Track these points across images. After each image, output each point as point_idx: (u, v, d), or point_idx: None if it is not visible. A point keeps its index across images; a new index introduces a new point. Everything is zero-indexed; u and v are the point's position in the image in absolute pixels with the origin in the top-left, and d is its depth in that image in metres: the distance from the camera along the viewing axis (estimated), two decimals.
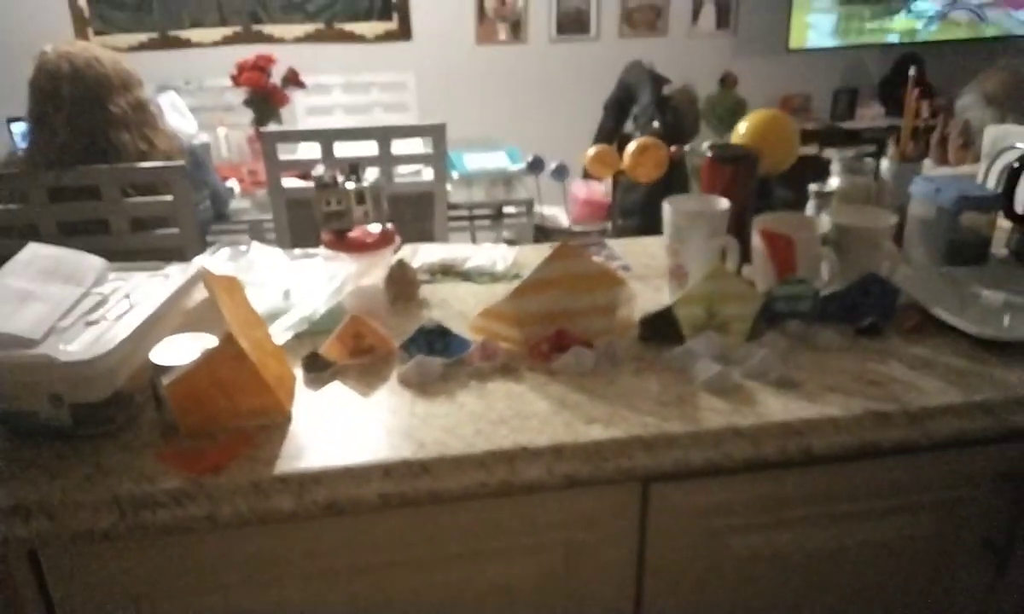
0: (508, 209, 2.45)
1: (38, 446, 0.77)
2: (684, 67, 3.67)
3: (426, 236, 2.12)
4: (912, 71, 1.23)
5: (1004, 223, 1.15)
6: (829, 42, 3.91)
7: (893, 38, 3.93)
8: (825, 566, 0.87)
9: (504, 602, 0.83)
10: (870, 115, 4.00)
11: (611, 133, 2.74)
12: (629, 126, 2.67)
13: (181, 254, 1.09)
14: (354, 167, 1.14)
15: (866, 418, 0.79)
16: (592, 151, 1.16)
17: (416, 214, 2.15)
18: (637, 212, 2.46)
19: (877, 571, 0.89)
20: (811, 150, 3.47)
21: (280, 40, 3.76)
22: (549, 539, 0.80)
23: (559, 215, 2.70)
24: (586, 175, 2.72)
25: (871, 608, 0.92)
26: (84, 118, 1.87)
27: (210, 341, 0.79)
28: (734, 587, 0.86)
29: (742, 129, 1.14)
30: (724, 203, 1.01)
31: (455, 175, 2.51)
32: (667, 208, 1.01)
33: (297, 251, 1.17)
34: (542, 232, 2.48)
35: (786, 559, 0.86)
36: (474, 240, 3.13)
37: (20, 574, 0.72)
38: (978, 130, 1.57)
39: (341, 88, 3.41)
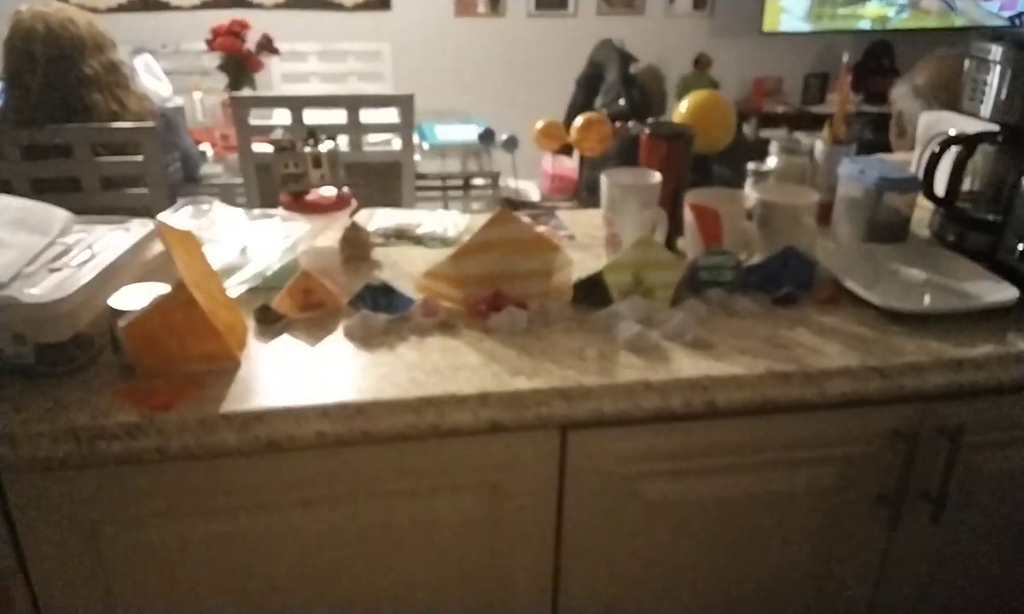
0: (477, 181, 2.50)
1: (2, 383, 0.82)
2: (660, 47, 3.73)
3: (394, 205, 2.17)
4: (845, 58, 1.30)
5: (928, 205, 1.23)
6: (802, 26, 3.98)
7: (865, 24, 4.01)
8: (730, 512, 0.95)
9: (433, 538, 0.90)
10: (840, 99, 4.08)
11: (581, 108, 2.79)
12: (599, 102, 2.73)
13: (149, 214, 1.14)
14: (312, 132, 1.19)
15: (767, 377, 0.87)
16: (539, 124, 1.22)
17: (384, 184, 2.20)
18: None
19: (779, 520, 0.97)
20: (781, 132, 3.55)
21: (259, 6, 3.77)
22: (475, 480, 0.87)
23: (531, 189, 2.76)
24: (560, 150, 2.78)
25: (775, 555, 1.00)
26: (57, 78, 1.90)
27: (165, 289, 0.85)
28: (646, 529, 0.94)
29: (682, 108, 1.20)
30: (656, 177, 1.07)
31: (425, 146, 2.56)
32: (603, 180, 1.07)
33: (256, 211, 1.23)
34: (511, 204, 2.53)
35: (693, 505, 0.94)
36: (446, 209, 3.18)
37: None
38: (908, 120, 1.64)
39: (317, 56, 3.43)
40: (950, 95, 1.46)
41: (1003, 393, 0.94)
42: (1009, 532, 1.06)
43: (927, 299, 1.04)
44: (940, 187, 1.18)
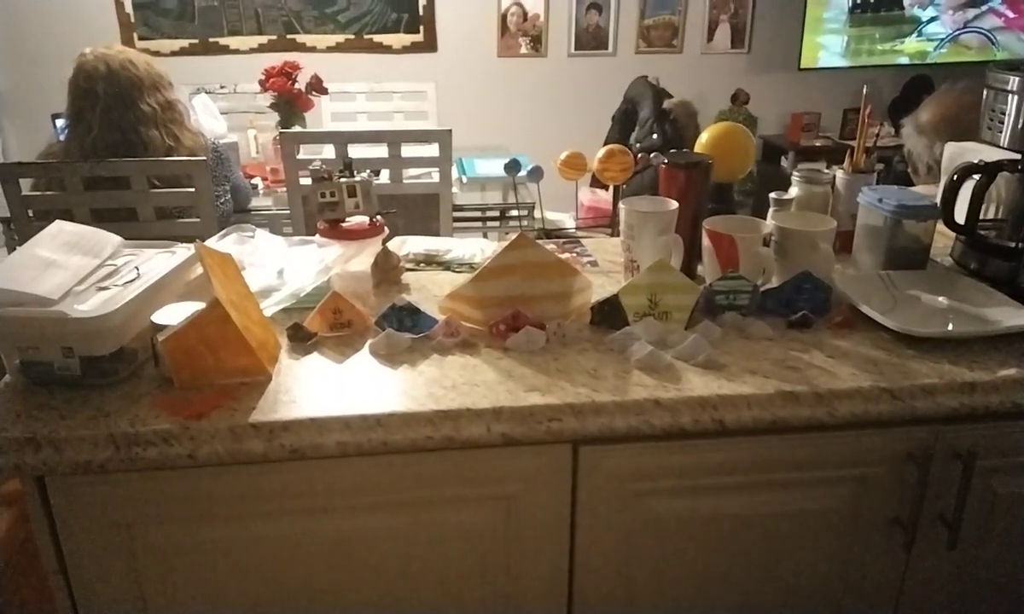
0: (513, 212, 2.56)
1: (51, 392, 0.89)
2: (698, 84, 3.77)
3: (432, 234, 2.24)
4: (865, 90, 1.32)
5: (950, 233, 1.23)
6: (840, 62, 3.98)
7: (903, 60, 3.99)
8: (741, 531, 0.96)
9: (449, 547, 0.93)
10: (872, 134, 4.06)
11: (616, 143, 2.84)
12: (633, 137, 2.77)
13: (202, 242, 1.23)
14: (347, 164, 1.26)
15: (776, 397, 0.89)
16: (563, 155, 1.26)
17: (423, 214, 2.27)
18: None
19: (792, 540, 0.98)
20: (819, 166, 3.54)
21: (312, 49, 3.93)
22: (490, 492, 0.91)
23: (565, 220, 2.81)
24: (593, 183, 2.83)
25: (788, 575, 1.00)
26: (117, 115, 2.03)
27: (202, 306, 0.91)
28: (657, 545, 0.96)
29: (703, 139, 1.24)
30: (672, 204, 1.11)
31: (464, 179, 2.63)
32: (622, 207, 1.11)
33: (295, 238, 1.29)
34: (546, 234, 2.58)
35: (704, 522, 0.95)
36: (485, 238, 3.24)
37: (30, 497, 0.84)
38: (919, 157, 1.64)
39: (365, 95, 3.56)
40: (954, 130, 1.47)
41: (1020, 418, 0.94)
42: None
43: (945, 324, 1.04)
44: (961, 215, 1.19)
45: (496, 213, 2.58)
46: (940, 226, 1.19)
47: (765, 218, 1.19)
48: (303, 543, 0.90)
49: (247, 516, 0.88)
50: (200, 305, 0.93)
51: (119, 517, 0.86)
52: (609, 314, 1.04)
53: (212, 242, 1.24)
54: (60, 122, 2.91)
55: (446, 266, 1.30)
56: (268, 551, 0.90)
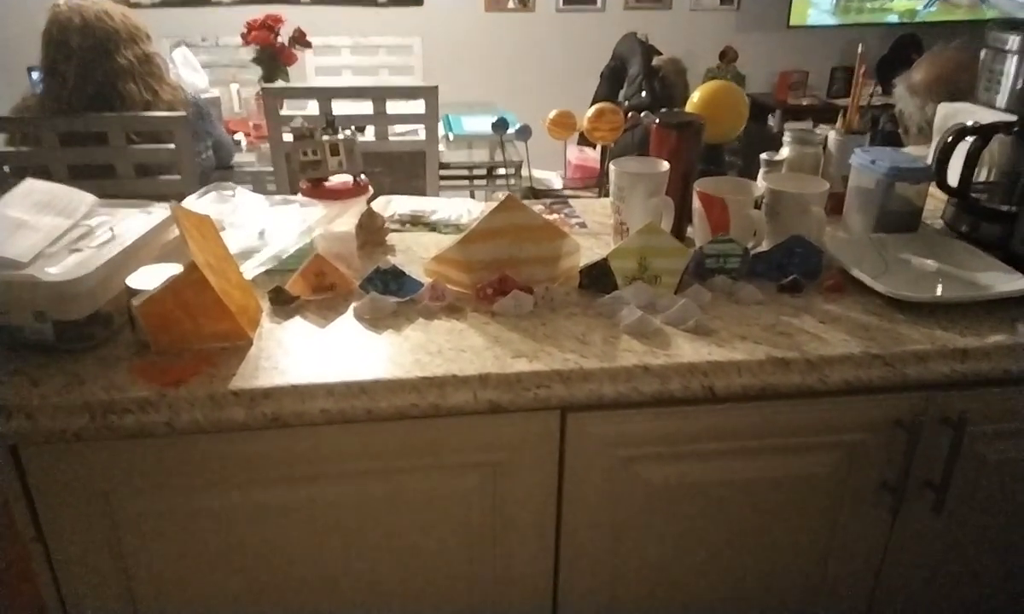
0: (500, 171, 2.52)
1: (24, 358, 0.86)
2: (687, 41, 3.71)
3: (418, 193, 2.20)
4: (860, 49, 1.29)
5: (942, 195, 1.22)
6: (829, 20, 3.92)
7: (892, 18, 3.94)
8: (730, 497, 0.96)
9: (435, 514, 0.92)
10: (866, 93, 4.02)
11: (605, 100, 2.79)
12: (622, 94, 2.72)
13: (181, 199, 1.19)
14: (330, 121, 1.22)
15: (767, 363, 0.88)
16: (552, 114, 1.23)
17: (409, 172, 2.23)
18: None
19: (780, 505, 0.98)
20: (806, 124, 3.50)
21: (296, 1, 3.83)
22: (477, 459, 0.89)
23: (552, 179, 2.77)
24: (581, 141, 2.79)
25: (775, 540, 1.00)
26: (92, 68, 1.96)
27: (179, 269, 0.89)
28: (645, 511, 0.95)
29: (694, 98, 1.21)
30: (663, 166, 1.08)
31: (450, 136, 2.59)
32: (612, 168, 1.09)
33: (277, 197, 1.26)
34: (533, 193, 2.55)
35: (692, 488, 0.95)
36: (473, 198, 3.21)
37: (3, 466, 0.82)
38: (909, 118, 1.62)
39: (349, 50, 3.48)
40: (948, 91, 1.45)
41: (1010, 384, 0.94)
42: (1012, 523, 1.05)
43: (936, 288, 1.03)
44: (954, 178, 1.17)
45: (483, 172, 2.54)
46: (931, 188, 1.17)
47: (751, 178, 1.17)
48: (286, 511, 0.89)
49: (228, 484, 0.87)
50: (178, 268, 0.90)
51: (96, 486, 0.84)
52: (598, 278, 1.02)
53: (190, 201, 1.20)
54: (36, 74, 2.84)
55: (432, 227, 1.27)
56: (250, 520, 0.89)
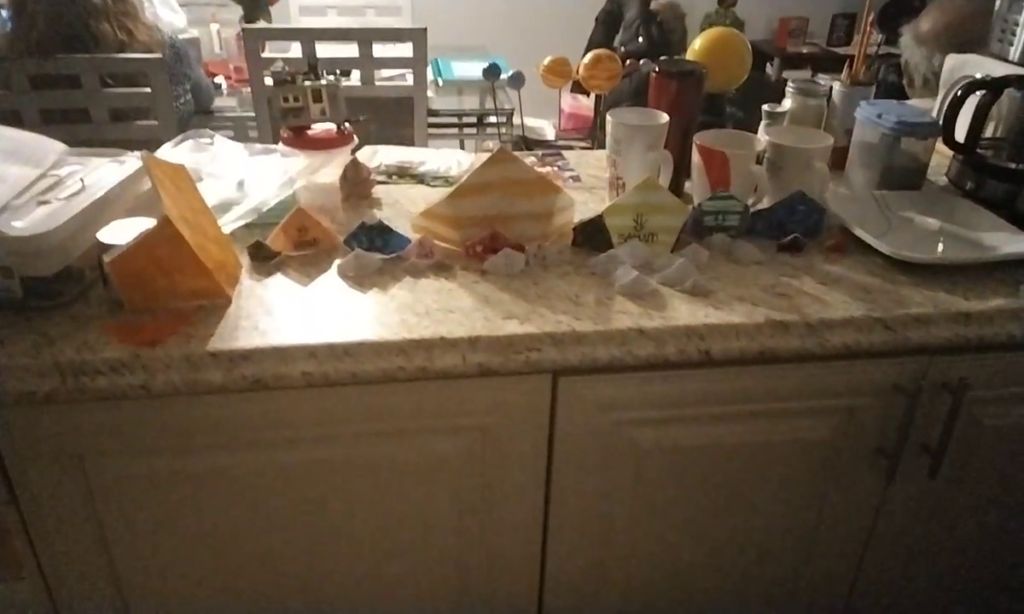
0: (491, 119, 2.45)
1: None
2: None
3: (406, 142, 2.14)
4: None
5: (947, 151, 1.18)
6: None
7: None
8: (722, 461, 0.94)
9: (421, 479, 0.90)
10: (874, 43, 3.93)
11: (600, 46, 2.71)
12: (618, 40, 2.64)
13: (159, 146, 1.14)
14: (312, 65, 1.16)
15: (765, 326, 0.85)
16: (546, 61, 1.18)
17: (396, 119, 2.17)
18: None
19: (773, 470, 0.96)
20: (805, 74, 3.43)
21: None
22: (465, 423, 0.87)
23: (545, 127, 2.71)
24: (574, 89, 2.71)
25: (766, 505, 0.99)
26: (64, 7, 1.87)
27: (152, 224, 0.84)
28: (636, 476, 0.93)
29: (696, 46, 1.16)
30: (663, 118, 1.04)
31: (440, 82, 2.51)
32: (609, 120, 1.04)
33: (257, 146, 1.21)
34: (525, 142, 2.49)
35: (685, 453, 0.93)
36: (462, 148, 3.14)
37: None
38: (915, 68, 1.57)
39: None
40: (957, 41, 1.39)
41: (1012, 349, 0.91)
42: (1008, 489, 1.04)
43: (939, 249, 1.00)
44: (960, 133, 1.13)
45: (473, 119, 2.47)
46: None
47: (748, 129, 1.12)
48: (267, 475, 0.86)
49: (207, 448, 0.84)
50: (151, 222, 0.85)
51: (70, 449, 0.81)
52: (592, 235, 0.98)
53: (166, 150, 1.15)
54: (4, 13, 2.73)
55: (420, 179, 1.22)
56: (230, 484, 0.86)
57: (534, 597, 1.02)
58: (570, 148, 2.57)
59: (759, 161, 1.05)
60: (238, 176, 1.08)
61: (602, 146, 1.26)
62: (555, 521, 0.95)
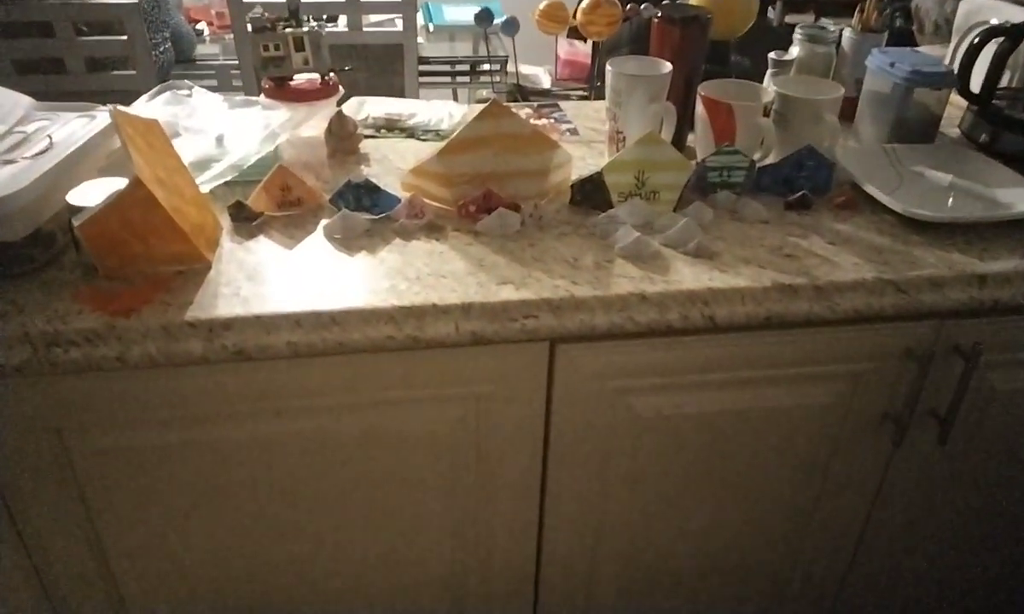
0: (484, 66, 2.37)
1: None
2: None
3: (395, 92, 2.07)
4: None
5: (959, 101, 1.13)
6: None
7: None
8: (725, 428, 0.91)
9: (413, 451, 0.86)
10: None
11: None
12: None
13: (138, 97, 1.08)
14: (293, 11, 1.10)
15: (773, 290, 0.81)
16: (541, 5, 1.12)
17: (385, 68, 2.09)
18: None
19: (777, 436, 0.93)
20: (808, 19, 3.33)
21: None
22: (458, 392, 0.83)
23: (540, 75, 2.63)
24: (570, 34, 2.63)
25: (770, 473, 0.96)
26: None
27: (124, 185, 0.79)
28: (636, 445, 0.90)
29: None
30: (666, 67, 0.98)
31: (430, 27, 2.42)
32: (608, 69, 0.98)
33: (238, 98, 1.15)
34: (520, 91, 2.41)
35: (686, 420, 0.89)
36: (455, 97, 3.06)
37: None
38: (925, 14, 1.50)
39: None
40: None
41: None
42: (1018, 454, 1.01)
43: (954, 207, 0.96)
44: (976, 83, 1.08)
45: (466, 68, 2.39)
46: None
47: (752, 79, 1.07)
48: (253, 448, 0.83)
49: (189, 420, 0.80)
50: (124, 181, 0.80)
51: (47, 422, 0.77)
52: (591, 193, 0.93)
53: (141, 103, 1.09)
54: None
55: (409, 133, 1.17)
56: (215, 456, 0.83)
57: (531, 568, 1.00)
58: (567, 97, 2.49)
59: (766, 113, 1.00)
60: (217, 131, 1.03)
61: (600, 96, 1.20)
62: (552, 491, 0.92)
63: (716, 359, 0.86)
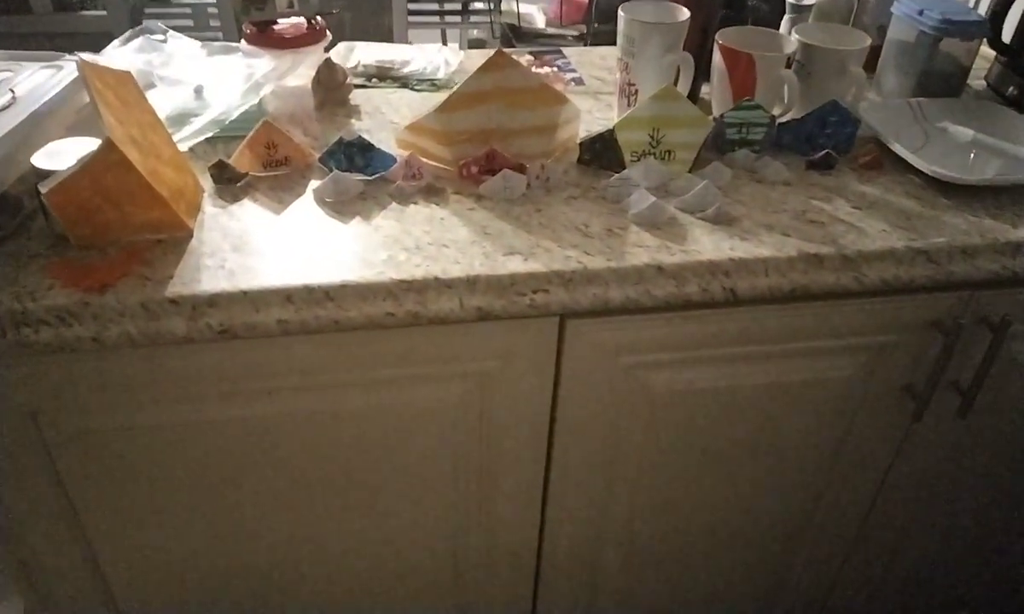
0: (477, 5, 2.26)
1: None
2: None
3: (383, 33, 1.97)
4: None
5: (986, 52, 1.07)
6: None
7: None
8: (737, 404, 0.87)
9: (413, 430, 0.82)
10: None
11: None
12: None
13: (110, 41, 1.00)
14: None
15: (799, 260, 0.76)
16: None
17: (374, 7, 1.98)
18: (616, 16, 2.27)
19: (793, 411, 0.89)
20: None
21: None
22: (461, 370, 0.78)
23: (534, 14, 2.51)
24: None
25: (785, 444, 0.93)
26: None
27: (96, 145, 0.72)
28: (647, 422, 0.86)
29: None
30: (683, 13, 0.91)
31: None
32: (621, 16, 0.91)
33: (217, 45, 1.07)
34: (514, 32, 2.31)
35: (700, 395, 0.85)
36: (444, 40, 2.94)
37: None
38: None
39: None
40: None
41: None
42: None
43: (985, 167, 0.90)
44: (1009, 32, 1.02)
45: (458, 6, 2.28)
46: None
47: (767, 25, 1.00)
48: (243, 429, 0.78)
49: (172, 400, 0.75)
50: (96, 142, 0.73)
51: (21, 405, 0.72)
52: (602, 153, 0.87)
53: (111, 51, 1.01)
54: None
55: (403, 82, 1.09)
56: (201, 438, 0.78)
57: (533, 547, 0.96)
58: (563, 38, 2.39)
59: (788, 64, 0.94)
60: (195, 81, 0.95)
61: (596, 40, 1.13)
62: (557, 470, 0.88)
63: (733, 333, 0.81)
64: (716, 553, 1.04)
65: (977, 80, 1.12)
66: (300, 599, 0.95)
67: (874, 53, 1.07)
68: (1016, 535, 1.13)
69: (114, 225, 0.72)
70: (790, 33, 0.96)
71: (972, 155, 0.92)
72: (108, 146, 0.68)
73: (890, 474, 0.98)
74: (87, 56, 0.93)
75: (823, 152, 0.89)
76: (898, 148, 0.89)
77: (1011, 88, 1.04)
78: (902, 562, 1.12)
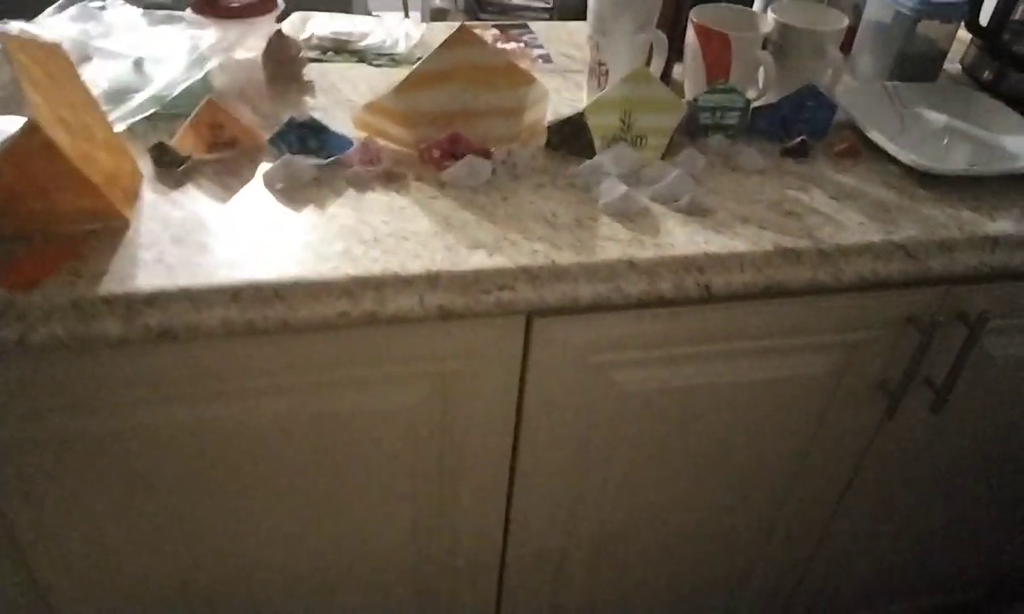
0: None
1: None
2: None
3: (342, 3, 1.88)
4: None
5: (962, 35, 1.04)
6: None
7: None
8: (709, 402, 0.84)
9: (375, 432, 0.77)
10: None
11: None
12: None
13: (41, 5, 0.93)
14: None
15: (775, 255, 0.72)
16: None
17: None
18: None
19: (764, 409, 0.87)
20: None
21: None
22: (423, 369, 0.74)
23: None
24: None
25: (756, 442, 0.90)
26: None
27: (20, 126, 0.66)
28: (618, 419, 0.83)
29: None
30: None
31: None
32: None
33: (159, 13, 0.99)
34: (479, 2, 2.24)
35: (672, 394, 0.82)
36: (406, 10, 2.85)
37: None
38: None
39: None
40: None
41: None
42: (1013, 424, 0.97)
43: (958, 155, 0.88)
44: (987, 15, 0.99)
45: None
46: None
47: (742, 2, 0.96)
48: (190, 434, 0.73)
49: (111, 406, 0.69)
50: (19, 122, 0.67)
51: None
52: (570, 137, 0.83)
53: (45, 17, 0.93)
54: None
55: (360, 57, 1.03)
56: (145, 446, 0.72)
57: (497, 552, 0.93)
58: (529, 9, 2.32)
59: (764, 45, 0.90)
60: (135, 53, 0.88)
61: (564, 13, 1.08)
62: (522, 472, 0.84)
63: (706, 331, 0.78)
64: (684, 551, 1.02)
65: (952, 64, 1.09)
66: (260, 604, 0.91)
67: (849, 34, 1.04)
68: (986, 529, 1.13)
69: (40, 215, 0.66)
70: (766, 11, 0.92)
71: (945, 141, 0.89)
72: (32, 128, 0.61)
73: (860, 470, 0.97)
74: (13, 25, 0.85)
75: (798, 139, 0.86)
76: (877, 136, 0.86)
77: (987, 72, 1.02)
78: (869, 558, 1.12)
